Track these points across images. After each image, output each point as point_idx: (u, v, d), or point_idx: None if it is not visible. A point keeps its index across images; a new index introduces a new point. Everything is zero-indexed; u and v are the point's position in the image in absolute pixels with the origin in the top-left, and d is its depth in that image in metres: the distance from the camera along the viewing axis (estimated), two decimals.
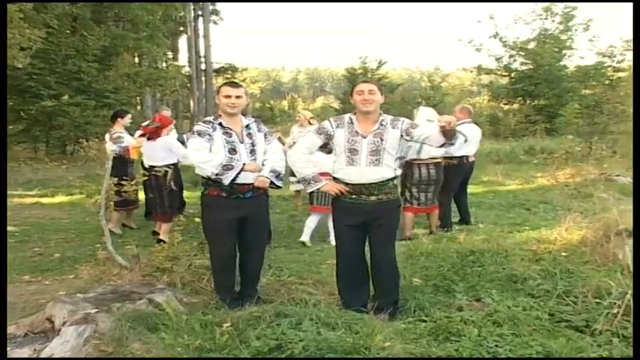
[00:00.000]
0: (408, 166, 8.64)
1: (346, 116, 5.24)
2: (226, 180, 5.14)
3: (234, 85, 5.49)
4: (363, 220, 5.15)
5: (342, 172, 5.19)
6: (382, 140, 5.02)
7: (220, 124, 5.33)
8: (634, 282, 4.80)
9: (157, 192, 8.75)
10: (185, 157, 8.00)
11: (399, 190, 8.63)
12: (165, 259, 5.91)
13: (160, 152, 8.70)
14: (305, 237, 8.59)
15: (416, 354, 4.04)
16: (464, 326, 4.45)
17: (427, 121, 8.62)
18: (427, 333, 4.45)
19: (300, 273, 6.47)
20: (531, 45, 30.42)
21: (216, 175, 5.16)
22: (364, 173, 5.06)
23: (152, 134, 8.70)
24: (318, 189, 5.36)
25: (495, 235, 7.75)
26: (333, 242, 8.57)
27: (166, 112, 9.76)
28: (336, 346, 3.96)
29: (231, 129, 5.33)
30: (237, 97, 5.35)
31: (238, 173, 5.16)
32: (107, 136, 9.60)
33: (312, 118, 12.70)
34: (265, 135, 5.57)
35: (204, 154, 5.23)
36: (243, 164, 5.21)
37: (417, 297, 5.31)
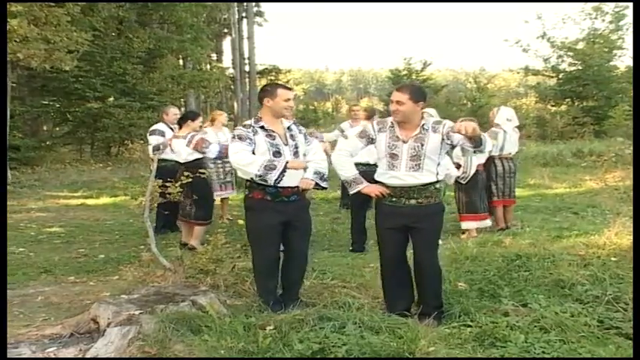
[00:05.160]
0: (490, 161, 8.95)
1: (389, 120, 5.17)
2: (270, 180, 5.05)
3: (289, 88, 5.52)
4: (403, 222, 5.10)
5: (383, 176, 5.15)
6: (422, 145, 4.96)
7: (262, 127, 5.30)
8: (634, 281, 4.76)
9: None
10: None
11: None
12: (208, 261, 5.92)
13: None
14: None
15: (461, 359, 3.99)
16: (510, 332, 4.38)
17: (507, 120, 8.78)
18: (472, 338, 4.38)
19: (343, 276, 6.41)
20: (580, 45, 29.79)
21: (260, 176, 5.08)
22: (404, 178, 5.01)
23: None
24: (359, 191, 5.28)
25: (542, 240, 7.62)
26: None
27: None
28: (380, 351, 3.93)
29: (274, 131, 5.30)
30: (293, 99, 5.45)
31: (283, 172, 5.06)
32: (178, 142, 8.53)
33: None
34: (305, 136, 5.57)
35: (244, 155, 5.16)
36: (287, 161, 5.13)
37: (461, 301, 5.23)
